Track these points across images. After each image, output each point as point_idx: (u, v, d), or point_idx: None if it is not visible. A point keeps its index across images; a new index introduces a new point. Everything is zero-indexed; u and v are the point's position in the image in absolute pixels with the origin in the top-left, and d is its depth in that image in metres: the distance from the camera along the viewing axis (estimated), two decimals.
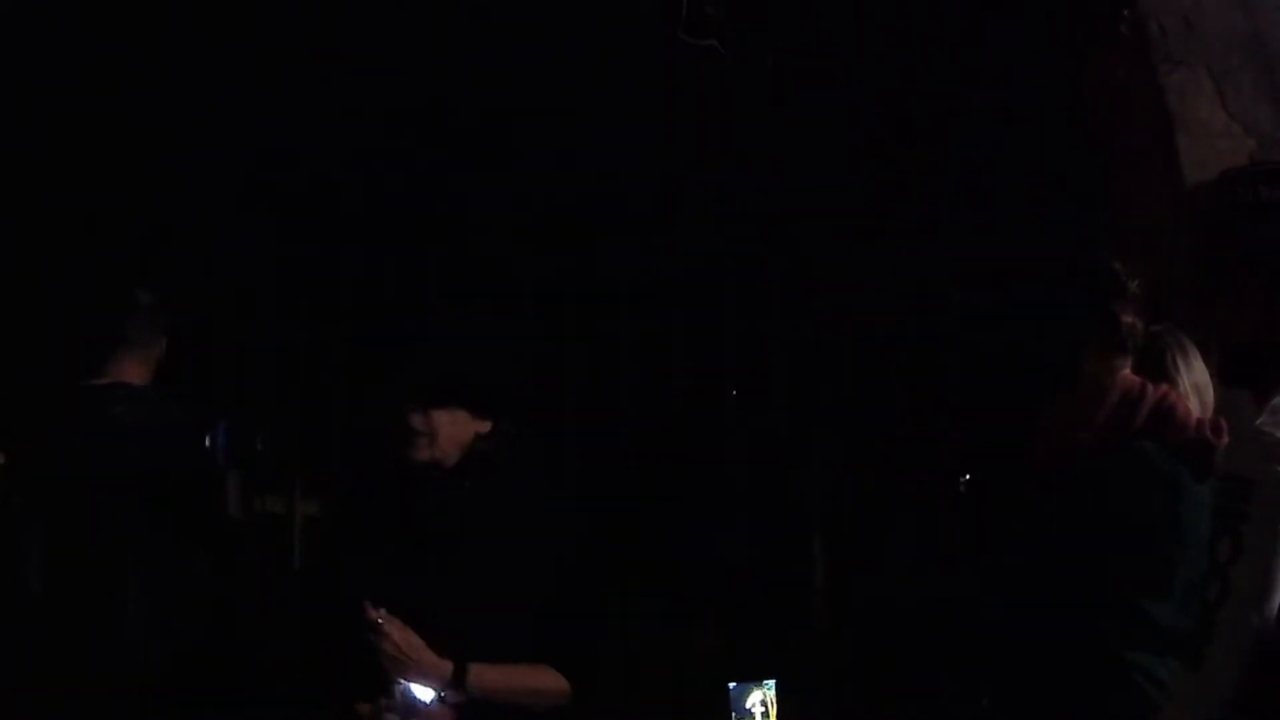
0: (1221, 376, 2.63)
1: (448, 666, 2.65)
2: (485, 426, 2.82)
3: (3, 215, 4.69)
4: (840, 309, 5.39)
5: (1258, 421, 2.16)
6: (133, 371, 3.42)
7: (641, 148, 5.13)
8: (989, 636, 3.17)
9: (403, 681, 2.62)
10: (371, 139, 5.20)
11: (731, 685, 3.55)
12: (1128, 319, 3.00)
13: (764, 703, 3.52)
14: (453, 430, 2.78)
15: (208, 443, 5.47)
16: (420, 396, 2.75)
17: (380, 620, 2.61)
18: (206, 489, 3.42)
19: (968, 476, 5.20)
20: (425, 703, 2.61)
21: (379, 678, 2.66)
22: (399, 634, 2.63)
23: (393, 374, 2.79)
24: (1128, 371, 3.00)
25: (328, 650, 2.82)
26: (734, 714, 3.50)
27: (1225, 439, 2.79)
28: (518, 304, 5.36)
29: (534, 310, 5.40)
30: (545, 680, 2.79)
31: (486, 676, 2.67)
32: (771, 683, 3.55)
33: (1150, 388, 2.97)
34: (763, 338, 5.50)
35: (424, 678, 2.64)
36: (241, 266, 5.29)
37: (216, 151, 5.09)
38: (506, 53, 4.90)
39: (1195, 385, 3.08)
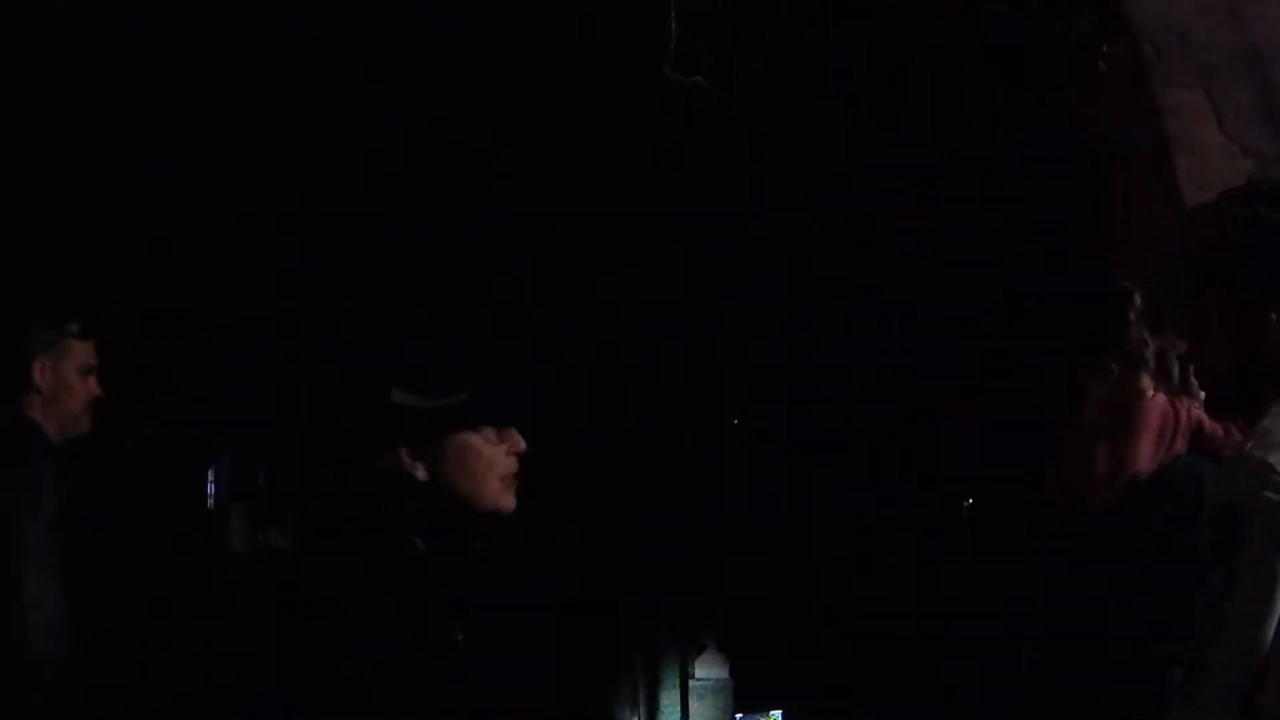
0: (1209, 404, 2.62)
1: None
2: None
3: None
4: (842, 335, 5.38)
5: (1246, 447, 2.11)
6: (47, 411, 3.25)
7: (630, 183, 5.13)
8: (1028, 661, 3.12)
9: None
10: (374, 174, 5.21)
11: (738, 717, 3.54)
12: (1143, 334, 3.02)
13: None
14: None
15: (210, 477, 5.50)
16: (400, 442, 2.57)
17: None
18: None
19: (970, 501, 5.18)
20: None
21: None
22: None
23: (392, 423, 2.59)
24: (1159, 395, 3.01)
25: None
26: None
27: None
28: (521, 333, 5.36)
29: (538, 336, 5.40)
30: None
31: None
32: (778, 714, 3.54)
33: (1180, 406, 2.99)
34: (764, 365, 5.49)
35: None
36: (247, 301, 5.30)
37: (221, 185, 5.10)
38: (496, 87, 4.91)
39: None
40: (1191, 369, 3.04)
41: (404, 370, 2.43)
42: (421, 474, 2.42)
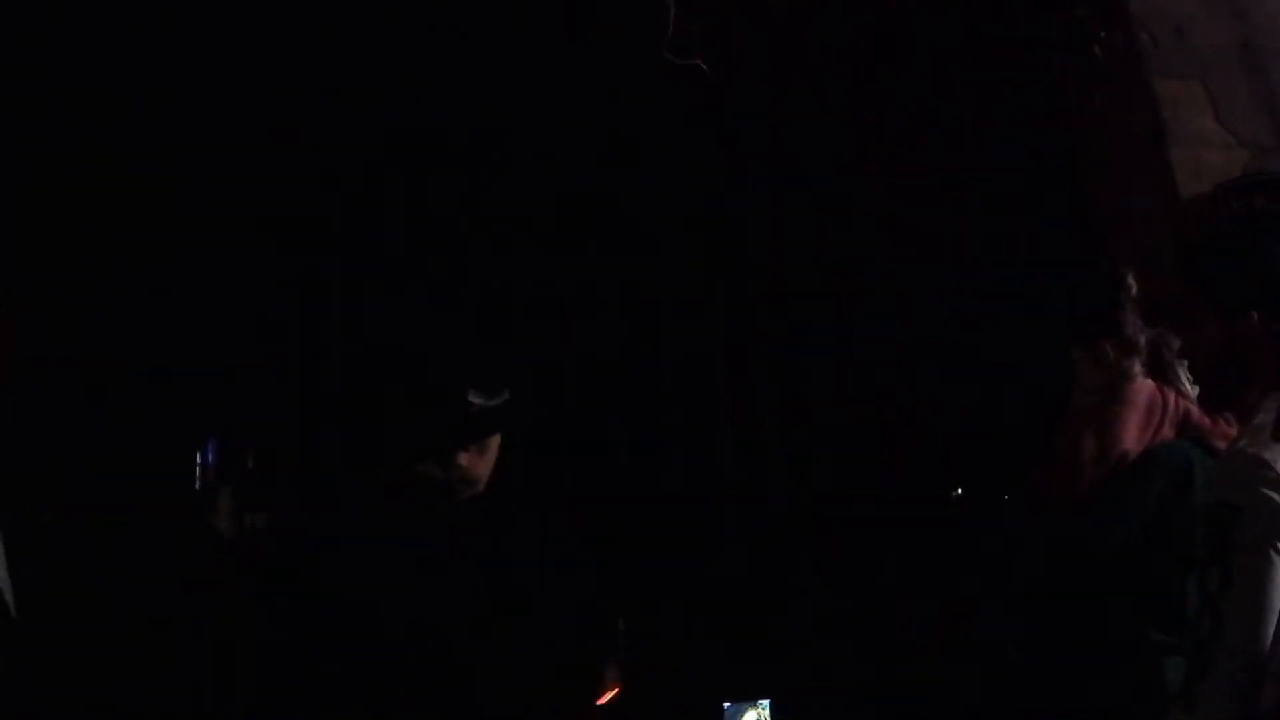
0: (1200, 399, 2.61)
1: None
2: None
3: None
4: (833, 322, 5.37)
5: (1239, 444, 2.07)
6: None
7: (626, 165, 5.11)
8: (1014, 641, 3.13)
9: None
10: (372, 160, 5.19)
11: (726, 705, 3.53)
12: (1138, 321, 3.04)
13: None
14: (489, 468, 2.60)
15: (199, 459, 5.46)
16: (470, 439, 2.51)
17: None
18: None
19: (959, 490, 5.19)
20: None
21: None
22: None
23: (425, 413, 2.53)
24: (1147, 380, 3.02)
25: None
26: None
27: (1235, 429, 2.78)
28: (514, 319, 5.35)
29: (531, 325, 5.39)
30: None
31: None
32: (766, 702, 3.53)
33: (1168, 394, 3.00)
34: (754, 353, 5.48)
35: None
36: (238, 292, 5.27)
37: (217, 166, 5.07)
38: (493, 72, 4.89)
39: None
40: (1185, 364, 3.05)
41: (471, 371, 2.47)
42: (467, 464, 2.46)
